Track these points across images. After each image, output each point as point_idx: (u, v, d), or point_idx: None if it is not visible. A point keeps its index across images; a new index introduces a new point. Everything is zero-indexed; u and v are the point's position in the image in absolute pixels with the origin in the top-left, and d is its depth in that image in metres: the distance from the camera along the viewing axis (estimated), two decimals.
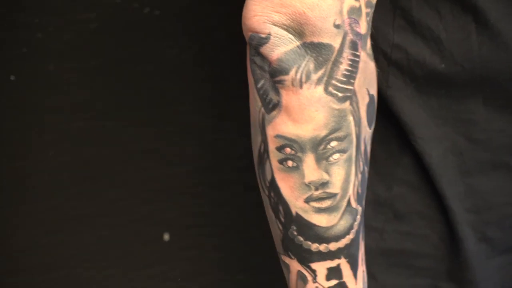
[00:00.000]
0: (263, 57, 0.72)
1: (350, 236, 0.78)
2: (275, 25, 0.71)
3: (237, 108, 1.35)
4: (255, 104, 0.76)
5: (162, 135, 1.37)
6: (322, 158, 0.74)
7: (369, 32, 0.76)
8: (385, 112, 0.89)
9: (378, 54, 0.87)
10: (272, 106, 0.74)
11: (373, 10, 0.76)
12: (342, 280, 0.79)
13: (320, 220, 0.76)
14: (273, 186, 0.76)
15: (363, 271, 0.81)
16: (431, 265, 0.92)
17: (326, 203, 0.75)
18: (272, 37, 0.71)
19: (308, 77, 0.71)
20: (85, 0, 1.26)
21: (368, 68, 0.75)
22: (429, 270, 0.92)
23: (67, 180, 1.38)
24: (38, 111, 1.33)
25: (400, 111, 0.88)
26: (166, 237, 1.44)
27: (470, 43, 0.84)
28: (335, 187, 0.75)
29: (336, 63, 0.72)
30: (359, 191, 0.77)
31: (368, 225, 0.92)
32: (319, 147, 0.74)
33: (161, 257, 1.46)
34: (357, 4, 0.72)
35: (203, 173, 1.42)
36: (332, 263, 0.78)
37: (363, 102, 0.75)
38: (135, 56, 1.31)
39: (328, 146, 0.74)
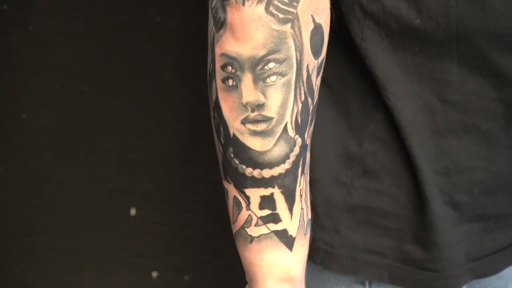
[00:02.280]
0: None
1: (285, 165, 0.77)
2: None
3: None
4: (209, 24, 0.77)
5: (142, 104, 1.36)
6: (260, 79, 0.75)
7: None
8: (360, 65, 0.89)
9: (355, 4, 0.87)
10: (220, 24, 0.75)
11: None
12: (275, 211, 0.79)
13: (254, 144, 0.77)
14: (217, 106, 0.78)
15: (302, 208, 0.80)
16: (397, 225, 0.91)
17: (261, 126, 0.76)
18: None
19: None
20: None
21: None
22: (395, 231, 0.91)
23: (41, 144, 1.36)
24: (13, 72, 1.32)
25: (374, 65, 0.87)
26: (133, 211, 1.42)
27: None
28: (271, 111, 0.76)
29: None
30: (299, 120, 0.77)
31: (337, 180, 0.92)
32: (257, 67, 0.75)
33: (130, 232, 1.45)
34: None
35: (179, 146, 1.40)
36: (266, 191, 0.78)
37: (306, 28, 0.75)
38: (120, 23, 1.30)
39: (266, 67, 0.75)
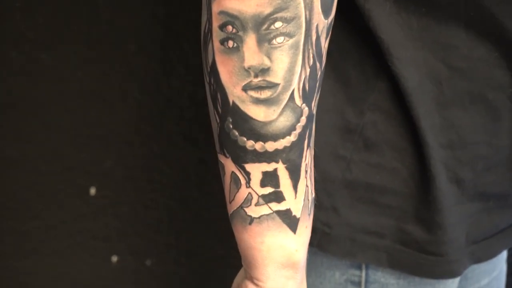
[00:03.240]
0: None
1: (291, 138, 0.70)
2: None
3: (185, 54, 1.28)
4: None
5: (104, 75, 1.28)
6: (264, 40, 0.67)
7: None
8: (361, 28, 0.83)
9: None
10: None
11: None
12: (278, 189, 0.72)
13: (257, 113, 0.69)
14: (213, 70, 0.70)
15: (306, 186, 0.73)
16: (398, 203, 0.86)
17: (265, 94, 0.69)
18: None
19: None
20: None
21: None
22: (395, 209, 0.86)
23: None
24: None
25: (377, 27, 0.81)
26: (93, 191, 1.35)
27: None
28: (277, 76, 0.68)
29: None
30: (307, 87, 0.70)
31: (335, 153, 0.87)
32: (262, 27, 0.67)
33: (89, 213, 1.37)
34: None
35: (144, 121, 1.32)
36: (268, 167, 0.71)
37: None
38: None
39: (272, 27, 0.67)
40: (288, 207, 0.72)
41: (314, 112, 0.73)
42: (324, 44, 0.72)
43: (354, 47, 0.85)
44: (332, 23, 0.72)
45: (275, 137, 0.70)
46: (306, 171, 0.73)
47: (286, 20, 0.67)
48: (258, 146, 0.70)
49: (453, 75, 0.83)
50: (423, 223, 0.86)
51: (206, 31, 0.70)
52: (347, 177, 0.86)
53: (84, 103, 1.29)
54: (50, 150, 1.31)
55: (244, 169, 0.71)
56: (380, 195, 0.86)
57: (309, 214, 0.75)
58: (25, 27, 1.22)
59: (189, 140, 1.33)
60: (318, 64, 0.71)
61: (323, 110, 0.85)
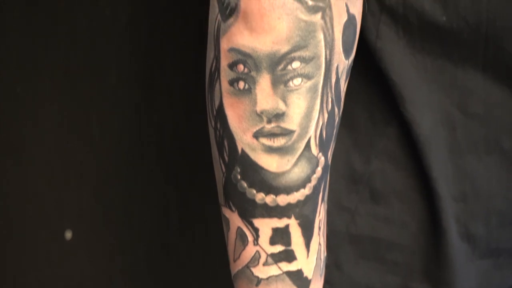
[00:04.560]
0: None
1: (305, 191, 0.66)
2: None
3: (168, 85, 1.23)
4: (213, 11, 0.65)
5: (82, 109, 1.23)
6: (280, 82, 0.63)
7: None
8: (371, 68, 0.79)
9: None
10: (230, 11, 0.63)
11: None
12: (289, 248, 0.67)
13: (269, 163, 0.64)
14: (220, 114, 0.66)
15: (319, 244, 0.69)
16: (406, 259, 0.82)
17: (279, 141, 0.64)
18: None
19: None
20: None
21: None
22: (403, 266, 0.82)
23: None
24: None
25: (390, 68, 0.78)
26: (69, 235, 1.29)
27: None
28: (292, 122, 0.64)
29: None
30: (324, 135, 0.66)
31: (339, 204, 0.82)
32: (278, 67, 0.63)
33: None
34: None
35: (123, 159, 1.27)
36: (279, 223, 0.66)
37: (339, 19, 0.64)
38: (61, 12, 1.17)
39: (289, 67, 0.63)
40: (299, 268, 0.67)
41: (330, 162, 0.69)
42: (344, 87, 0.68)
43: (363, 88, 0.81)
44: (352, 64, 0.69)
45: (288, 190, 0.65)
46: (319, 228, 0.68)
47: (304, 60, 0.63)
48: (269, 199, 0.65)
49: (468, 121, 0.79)
50: (431, 281, 0.82)
51: (213, 70, 0.66)
52: (352, 231, 0.82)
53: (60, 139, 1.24)
54: (24, 188, 1.26)
55: (252, 224, 0.67)
56: (386, 251, 0.82)
57: (321, 275, 0.70)
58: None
59: (171, 181, 1.28)
60: (336, 109, 0.67)
61: None
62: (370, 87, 0.81)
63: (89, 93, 1.22)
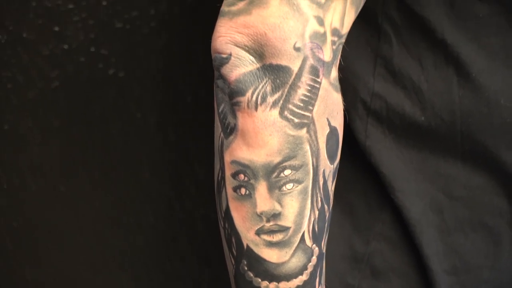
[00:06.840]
0: (224, 79, 0.71)
1: (303, 277, 0.74)
2: (237, 46, 0.70)
3: (197, 175, 1.31)
4: (217, 130, 0.74)
5: (121, 204, 1.32)
6: (275, 187, 0.71)
7: (336, 62, 0.73)
8: (364, 163, 0.87)
9: (358, 102, 0.86)
10: (230, 130, 0.72)
11: (342, 40, 0.74)
12: None
13: (270, 255, 0.73)
14: (227, 216, 0.74)
15: None
16: None
17: (277, 237, 0.72)
18: (232, 58, 0.70)
19: (263, 99, 0.69)
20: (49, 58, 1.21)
21: (330, 97, 0.73)
22: None
23: None
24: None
25: (379, 162, 0.86)
26: None
27: (451, 95, 0.82)
28: (288, 220, 0.72)
29: (294, 87, 0.69)
30: (316, 229, 0.74)
31: (344, 282, 0.89)
32: (272, 175, 0.71)
33: None
34: (321, 30, 0.70)
35: (158, 244, 1.36)
36: None
37: (322, 132, 0.72)
38: (97, 117, 1.27)
39: (282, 175, 0.71)
40: None
41: (324, 251, 0.76)
42: (331, 187, 0.75)
43: (358, 179, 0.88)
44: (338, 167, 0.76)
45: (288, 277, 0.73)
46: None
47: (294, 168, 0.71)
48: (273, 286, 0.73)
49: (454, 203, 0.86)
50: None
51: (219, 179, 0.74)
52: None
53: (101, 231, 1.32)
54: (68, 276, 1.34)
55: None
56: None
57: None
58: (44, 160, 1.26)
59: (203, 260, 1.35)
60: (326, 207, 0.74)
61: (330, 241, 0.87)
62: (364, 179, 0.88)
63: (125, 188, 1.30)
